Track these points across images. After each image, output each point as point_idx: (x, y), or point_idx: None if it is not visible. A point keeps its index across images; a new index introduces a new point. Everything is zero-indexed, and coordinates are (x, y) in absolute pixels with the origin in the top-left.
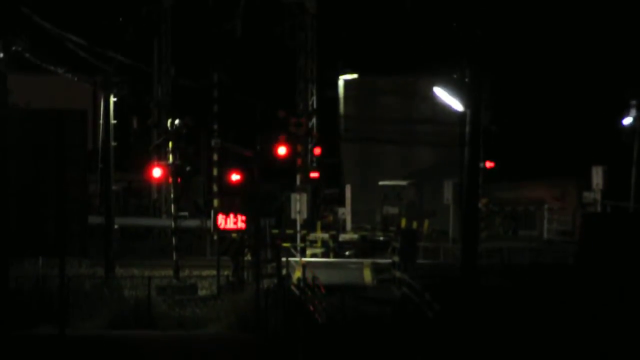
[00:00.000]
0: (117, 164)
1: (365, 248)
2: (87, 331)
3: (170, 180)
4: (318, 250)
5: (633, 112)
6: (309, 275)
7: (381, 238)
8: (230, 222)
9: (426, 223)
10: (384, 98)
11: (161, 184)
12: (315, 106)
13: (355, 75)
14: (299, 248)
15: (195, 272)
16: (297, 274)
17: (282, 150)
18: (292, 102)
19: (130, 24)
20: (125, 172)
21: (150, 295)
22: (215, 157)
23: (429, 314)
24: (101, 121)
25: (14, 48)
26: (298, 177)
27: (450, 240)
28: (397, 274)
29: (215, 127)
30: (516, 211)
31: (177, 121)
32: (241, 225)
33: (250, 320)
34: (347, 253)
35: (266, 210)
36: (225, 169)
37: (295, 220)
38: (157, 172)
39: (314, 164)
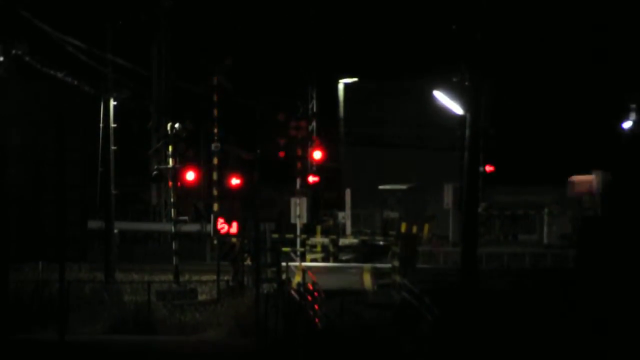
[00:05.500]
0: (116, 167)
1: (365, 252)
2: (87, 336)
3: (170, 184)
4: (318, 255)
5: (633, 115)
6: (308, 280)
7: (381, 242)
8: (230, 226)
9: (426, 227)
10: (383, 101)
11: (160, 188)
12: (315, 110)
13: (355, 79)
14: (298, 253)
15: (195, 277)
16: (297, 278)
17: (282, 154)
18: (292, 106)
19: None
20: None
21: (150, 300)
22: (215, 161)
23: (429, 319)
24: (101, 125)
25: (13, 51)
26: (298, 181)
27: (451, 244)
28: (397, 278)
29: (215, 130)
30: (516, 215)
31: (177, 125)
32: (240, 229)
33: (250, 325)
34: (346, 257)
35: (266, 215)
36: (225, 173)
37: (295, 225)
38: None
39: (314, 168)
